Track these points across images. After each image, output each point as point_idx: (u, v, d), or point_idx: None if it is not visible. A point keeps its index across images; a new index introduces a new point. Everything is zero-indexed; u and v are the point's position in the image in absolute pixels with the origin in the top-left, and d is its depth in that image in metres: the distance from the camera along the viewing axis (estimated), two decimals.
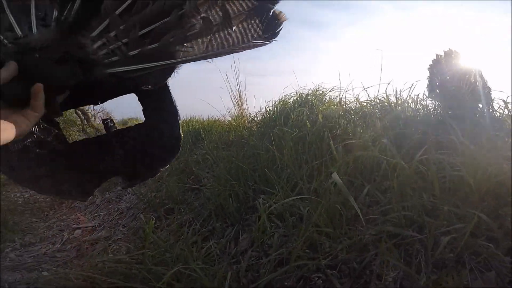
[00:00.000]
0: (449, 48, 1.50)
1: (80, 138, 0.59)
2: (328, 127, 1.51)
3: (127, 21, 0.50)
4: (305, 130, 1.51)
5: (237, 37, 0.54)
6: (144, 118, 0.60)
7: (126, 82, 0.53)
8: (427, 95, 1.55)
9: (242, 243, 1.17)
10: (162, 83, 0.56)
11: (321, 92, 2.27)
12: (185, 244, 1.15)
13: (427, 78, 1.54)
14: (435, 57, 1.53)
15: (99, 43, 0.49)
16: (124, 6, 0.50)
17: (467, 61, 1.44)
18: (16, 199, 2.72)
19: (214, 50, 0.53)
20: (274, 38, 0.55)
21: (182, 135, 0.61)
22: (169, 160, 0.64)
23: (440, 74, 1.46)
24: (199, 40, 0.52)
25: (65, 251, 1.72)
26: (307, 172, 1.25)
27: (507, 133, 1.10)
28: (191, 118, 3.47)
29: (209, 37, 0.53)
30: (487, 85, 1.38)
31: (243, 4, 0.54)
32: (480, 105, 1.29)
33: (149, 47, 0.50)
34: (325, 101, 2.15)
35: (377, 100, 1.73)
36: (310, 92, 2.28)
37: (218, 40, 0.54)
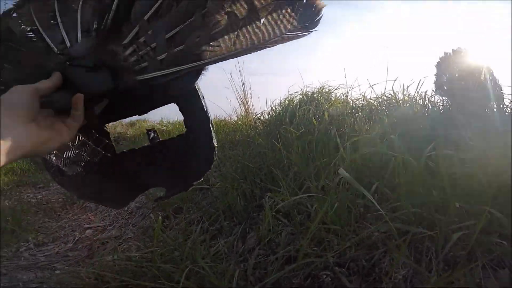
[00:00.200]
0: (458, 47, 1.48)
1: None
2: (335, 125, 1.51)
3: (154, 25, 0.49)
4: (311, 128, 1.51)
5: (267, 30, 0.50)
6: (185, 129, 0.59)
7: (156, 90, 0.52)
8: (434, 92, 1.53)
9: (250, 241, 1.17)
10: (190, 87, 0.54)
11: (327, 90, 2.25)
12: (193, 242, 1.15)
13: (434, 75, 1.52)
14: (443, 55, 1.51)
15: (130, 49, 0.49)
16: (152, 10, 0.49)
17: (477, 59, 1.41)
18: (29, 199, 2.79)
19: (243, 47, 0.50)
20: (314, 27, 0.50)
21: (216, 145, 0.58)
22: (204, 173, 0.63)
23: (448, 71, 1.44)
24: (226, 38, 0.49)
25: (77, 250, 1.76)
26: (314, 170, 1.25)
27: None
28: None
29: (236, 33, 0.49)
30: (498, 82, 1.35)
31: None
32: (491, 102, 1.26)
33: (175, 49, 0.48)
34: (331, 99, 2.14)
35: (384, 97, 1.71)
36: (316, 90, 2.27)
37: (247, 35, 0.50)
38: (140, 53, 0.49)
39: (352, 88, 1.94)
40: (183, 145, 0.59)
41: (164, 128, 4.08)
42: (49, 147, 0.38)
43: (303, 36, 0.51)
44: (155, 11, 0.49)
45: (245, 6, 0.49)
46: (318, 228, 0.90)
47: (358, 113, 1.65)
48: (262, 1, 0.50)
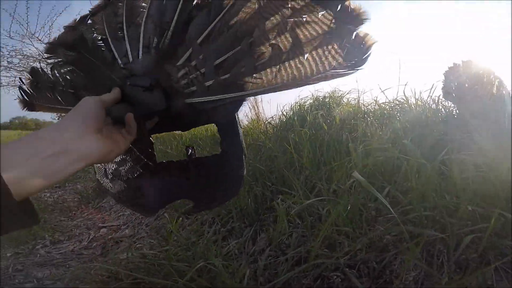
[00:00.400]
0: (468, 59, 1.49)
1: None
2: (347, 129, 1.51)
3: (206, 50, 0.49)
4: (322, 133, 1.52)
5: (310, 66, 0.47)
6: (220, 149, 0.59)
7: (201, 114, 0.51)
8: (442, 98, 1.53)
9: (260, 242, 1.19)
10: (232, 117, 0.53)
11: (338, 94, 2.26)
12: (206, 242, 1.18)
13: (442, 82, 1.53)
14: (451, 65, 1.52)
15: (182, 72, 0.50)
16: (204, 34, 0.49)
17: (486, 70, 1.41)
18: (46, 199, 2.89)
19: (284, 81, 0.48)
20: (360, 66, 0.46)
21: (245, 173, 0.58)
22: (231, 196, 0.64)
23: (458, 80, 1.45)
24: (268, 70, 0.47)
25: (91, 248, 1.80)
26: (325, 173, 1.26)
27: None
28: None
29: (278, 66, 0.47)
30: (508, 90, 1.35)
31: (317, 28, 0.47)
32: (501, 107, 1.25)
33: (222, 77, 0.48)
34: (342, 103, 2.14)
35: (397, 101, 1.71)
36: (327, 95, 2.28)
37: (288, 70, 0.48)
38: (190, 76, 0.49)
39: (364, 93, 1.94)
40: (216, 165, 0.60)
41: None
42: (110, 157, 0.41)
43: (347, 74, 0.47)
44: (207, 35, 0.49)
45: (290, 39, 0.47)
46: (330, 230, 0.90)
47: (370, 118, 1.65)
48: (308, 34, 0.47)
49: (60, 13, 5.45)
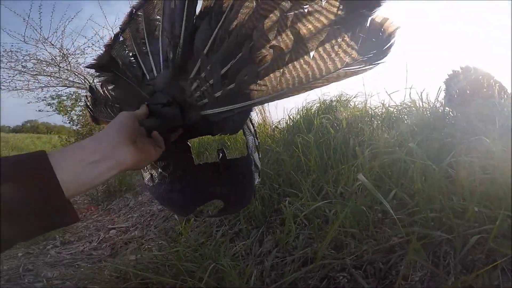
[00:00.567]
0: (467, 65, 1.51)
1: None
2: (353, 133, 1.52)
3: (212, 60, 0.47)
4: (330, 136, 1.53)
5: (318, 66, 0.41)
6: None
7: (213, 126, 0.50)
8: (444, 104, 1.54)
9: (267, 244, 1.20)
10: (240, 128, 0.49)
11: (345, 98, 2.27)
12: (215, 243, 1.19)
13: (444, 90, 1.54)
14: (451, 72, 1.53)
15: (194, 84, 0.49)
16: (209, 43, 0.48)
17: (486, 75, 1.42)
18: None
19: (290, 86, 0.43)
20: (381, 59, 0.39)
21: (256, 182, 0.55)
22: (245, 204, 0.64)
23: (458, 87, 1.46)
24: (272, 76, 0.43)
25: (101, 249, 1.84)
26: (332, 176, 1.27)
27: None
28: None
29: (281, 70, 0.43)
30: (509, 92, 1.36)
31: (321, 19, 0.40)
32: (506, 110, 1.25)
33: (228, 87, 0.46)
34: (350, 107, 2.15)
35: (404, 104, 1.71)
36: (334, 98, 2.29)
37: (293, 72, 0.43)
38: (201, 89, 0.48)
39: (371, 96, 1.95)
40: (242, 166, 0.59)
41: None
42: (141, 165, 0.45)
43: (364, 71, 0.40)
44: (212, 44, 0.48)
45: (291, 36, 0.42)
46: (336, 231, 0.91)
47: (377, 121, 1.65)
48: (312, 28, 0.41)
49: (72, 18, 5.64)
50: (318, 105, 2.30)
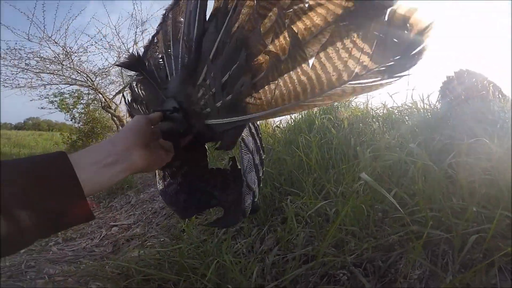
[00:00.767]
0: (460, 68, 1.52)
1: None
2: (355, 133, 1.53)
3: (214, 66, 0.44)
4: (331, 136, 1.54)
5: (319, 78, 0.33)
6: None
7: (215, 136, 0.48)
8: (441, 108, 1.56)
9: (268, 242, 1.21)
10: (233, 146, 0.46)
11: None
12: (217, 240, 1.21)
13: (439, 96, 1.56)
14: (445, 79, 1.55)
15: (201, 91, 0.46)
16: (214, 47, 0.45)
17: (479, 75, 1.44)
18: None
19: (285, 103, 0.36)
20: (407, 68, 0.28)
21: (247, 205, 0.49)
22: (240, 220, 0.60)
23: (453, 94, 1.48)
24: (267, 89, 0.38)
25: (103, 246, 1.85)
26: (333, 176, 1.28)
27: None
28: None
29: (276, 82, 0.36)
30: (506, 96, 1.37)
31: (324, 13, 0.32)
32: (503, 113, 1.27)
33: (227, 98, 0.42)
34: (351, 107, 2.16)
35: (406, 105, 1.72)
36: None
37: (289, 85, 0.36)
38: (206, 96, 0.46)
39: (372, 97, 1.96)
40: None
41: None
42: (153, 168, 0.47)
43: (381, 86, 0.31)
44: (217, 48, 0.45)
45: (288, 38, 0.35)
46: (337, 230, 0.93)
47: (379, 122, 1.67)
48: (312, 27, 0.33)
49: (76, 16, 5.67)
50: None
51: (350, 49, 0.30)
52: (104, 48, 5.82)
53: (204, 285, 0.97)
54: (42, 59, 5.58)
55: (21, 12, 5.07)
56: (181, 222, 1.41)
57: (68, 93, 6.51)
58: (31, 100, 6.36)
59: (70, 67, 5.74)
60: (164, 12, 0.62)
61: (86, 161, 0.36)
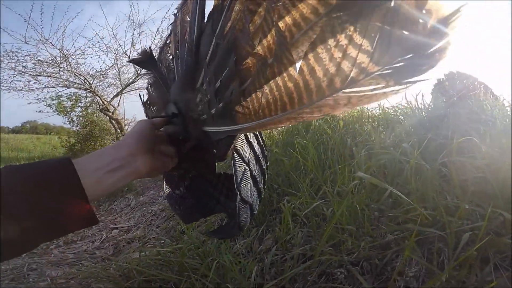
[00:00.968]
0: (450, 71, 1.55)
1: None
2: (351, 133, 1.55)
3: (209, 70, 0.42)
4: (327, 137, 1.56)
5: (306, 84, 0.27)
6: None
7: (211, 145, 0.46)
8: (433, 109, 1.58)
9: (267, 242, 1.23)
10: (225, 157, 0.44)
11: None
12: (215, 241, 1.22)
13: (431, 98, 1.58)
14: (436, 81, 1.57)
15: (199, 96, 0.44)
16: (210, 50, 0.42)
17: (469, 76, 1.46)
18: None
19: (271, 114, 0.32)
20: (423, 71, 0.23)
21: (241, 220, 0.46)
22: (236, 233, 0.60)
23: (445, 96, 1.50)
24: (254, 97, 0.34)
25: (104, 248, 1.86)
26: (330, 176, 1.30)
27: None
28: None
29: (262, 89, 0.32)
30: (497, 96, 1.40)
31: (314, 2, 0.27)
32: (494, 113, 1.29)
33: (219, 105, 0.39)
34: None
35: (400, 106, 1.75)
36: None
37: (275, 93, 0.31)
38: (203, 102, 0.43)
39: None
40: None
41: None
42: (156, 173, 0.47)
43: (385, 96, 0.25)
44: (212, 51, 0.42)
45: (274, 36, 0.31)
46: (334, 229, 0.94)
47: (374, 122, 1.69)
48: (301, 21, 0.29)
49: (73, 19, 5.66)
50: None
51: (344, 46, 0.24)
52: (102, 50, 5.82)
53: (204, 285, 0.99)
54: (39, 61, 5.56)
55: (18, 14, 5.06)
56: (181, 224, 1.42)
57: (66, 96, 6.49)
58: (28, 103, 6.31)
59: (68, 70, 5.73)
60: (175, 11, 0.60)
61: (90, 167, 0.37)
